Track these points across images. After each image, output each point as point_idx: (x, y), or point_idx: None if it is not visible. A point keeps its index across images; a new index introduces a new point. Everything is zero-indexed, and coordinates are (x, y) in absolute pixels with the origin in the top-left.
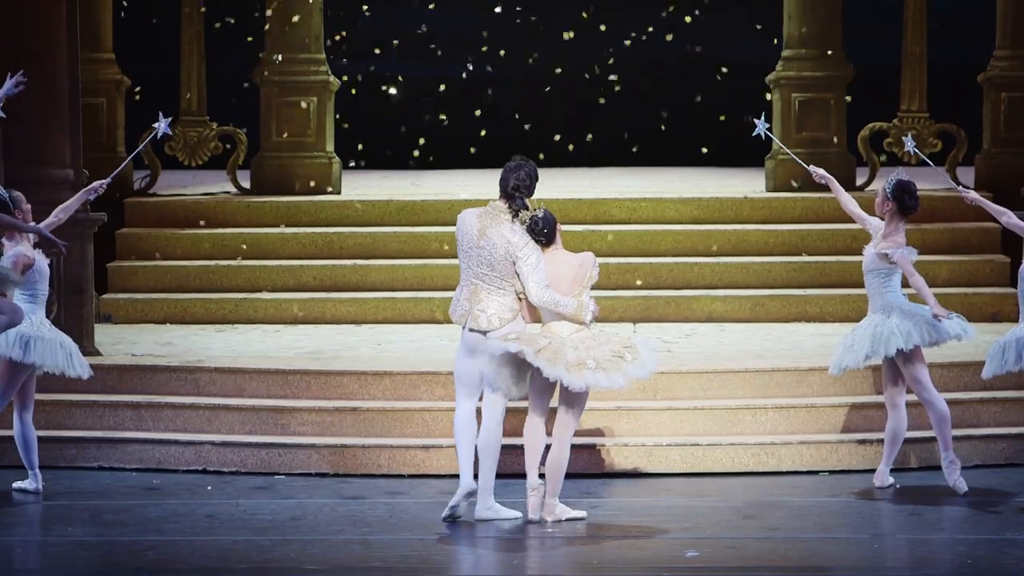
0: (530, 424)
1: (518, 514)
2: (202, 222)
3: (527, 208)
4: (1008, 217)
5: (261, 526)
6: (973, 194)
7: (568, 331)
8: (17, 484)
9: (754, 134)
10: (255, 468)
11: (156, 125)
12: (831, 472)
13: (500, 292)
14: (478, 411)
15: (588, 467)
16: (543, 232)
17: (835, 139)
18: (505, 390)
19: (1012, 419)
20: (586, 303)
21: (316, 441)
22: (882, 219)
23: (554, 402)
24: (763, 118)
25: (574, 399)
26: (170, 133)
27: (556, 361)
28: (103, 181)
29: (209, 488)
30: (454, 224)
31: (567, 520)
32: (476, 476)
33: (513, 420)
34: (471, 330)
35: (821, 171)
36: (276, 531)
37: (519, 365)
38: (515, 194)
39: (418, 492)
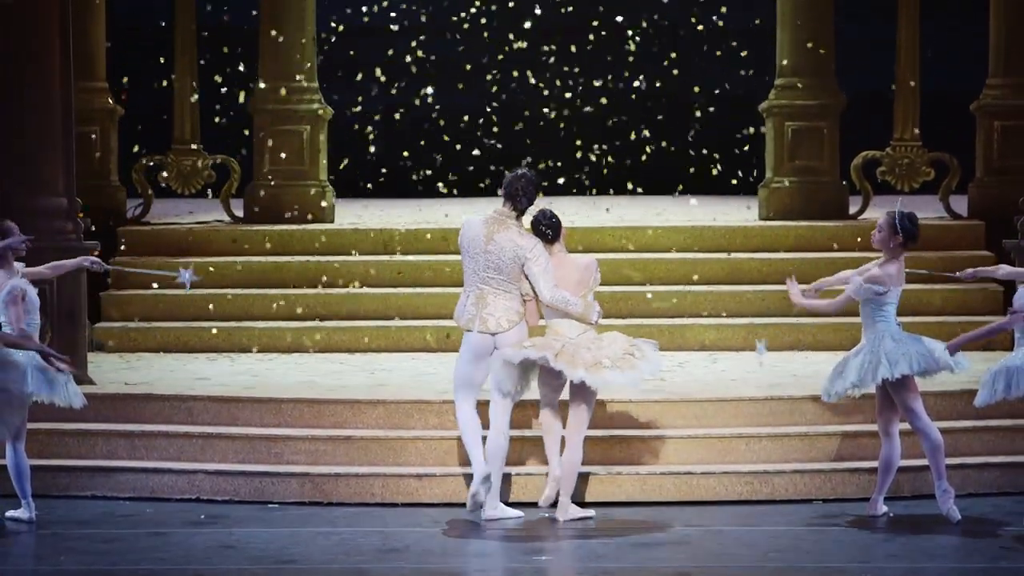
0: (545, 421)
1: (521, 514)
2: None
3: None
4: (1004, 270)
5: (254, 555)
6: (969, 271)
7: (575, 331)
8: (10, 513)
9: (757, 359)
10: (248, 497)
11: (181, 272)
12: (825, 501)
13: (507, 295)
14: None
15: (581, 495)
16: (551, 221)
17: (828, 168)
18: (512, 391)
19: (1005, 448)
20: (593, 304)
21: (309, 470)
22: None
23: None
24: (762, 345)
25: (585, 395)
26: (186, 286)
27: (575, 363)
28: (106, 265)
29: (202, 517)
30: (447, 252)
31: (578, 519)
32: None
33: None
34: (480, 332)
35: (806, 303)
36: (269, 560)
37: (525, 368)
38: (518, 195)
39: (412, 521)
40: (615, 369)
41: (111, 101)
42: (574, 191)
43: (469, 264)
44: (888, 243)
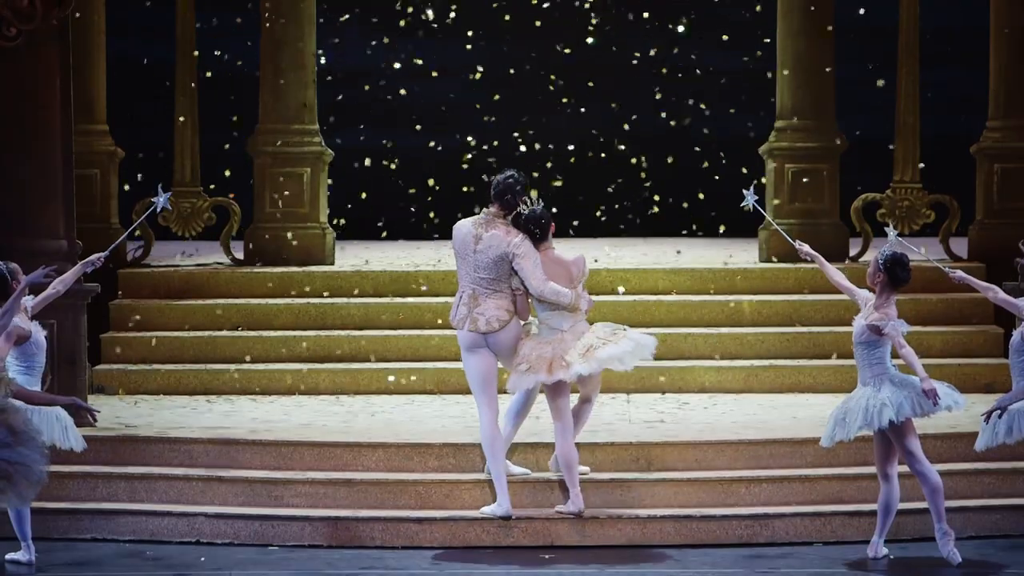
0: (562, 440)
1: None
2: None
3: (523, 203)
4: (995, 293)
5: None
6: (959, 273)
7: (567, 323)
8: (10, 556)
9: (742, 205)
10: (248, 540)
11: (155, 199)
12: (825, 543)
13: (497, 295)
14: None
15: (581, 539)
16: (540, 222)
17: (828, 209)
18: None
19: (1005, 490)
20: (583, 293)
21: (310, 513)
22: (873, 290)
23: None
24: (752, 190)
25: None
26: (168, 208)
27: (569, 364)
28: (101, 254)
29: (202, 560)
30: (447, 294)
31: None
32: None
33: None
34: (470, 332)
35: (806, 248)
36: None
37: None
38: (506, 196)
39: (412, 564)
40: (608, 344)
41: (112, 143)
42: (570, 233)
43: (461, 266)
44: (873, 278)
